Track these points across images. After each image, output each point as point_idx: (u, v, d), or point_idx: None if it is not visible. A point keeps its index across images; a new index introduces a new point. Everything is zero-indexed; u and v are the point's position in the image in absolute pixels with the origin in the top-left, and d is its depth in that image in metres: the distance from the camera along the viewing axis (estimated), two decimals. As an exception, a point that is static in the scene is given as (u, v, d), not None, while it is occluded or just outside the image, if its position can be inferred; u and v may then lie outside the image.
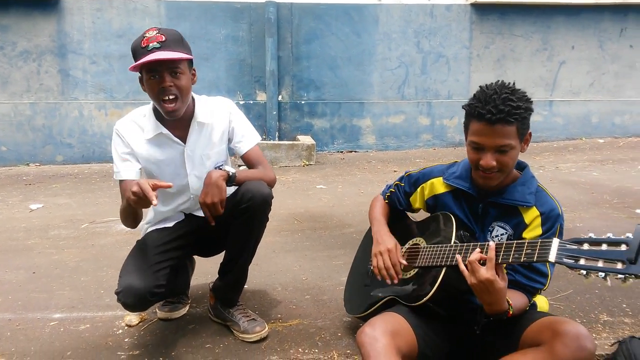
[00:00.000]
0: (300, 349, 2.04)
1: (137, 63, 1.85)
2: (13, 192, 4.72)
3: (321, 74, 6.44)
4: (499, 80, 1.64)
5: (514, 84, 1.63)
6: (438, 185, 1.87)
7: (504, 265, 1.50)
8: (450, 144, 6.78)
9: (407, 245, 1.90)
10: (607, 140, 7.02)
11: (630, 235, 1.22)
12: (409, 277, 1.80)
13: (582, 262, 1.27)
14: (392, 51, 6.54)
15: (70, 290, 2.62)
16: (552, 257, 1.32)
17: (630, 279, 1.19)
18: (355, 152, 6.61)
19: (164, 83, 1.86)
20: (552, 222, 1.66)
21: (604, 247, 1.26)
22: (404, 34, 6.54)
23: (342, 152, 6.59)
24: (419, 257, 1.77)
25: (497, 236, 1.72)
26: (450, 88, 6.73)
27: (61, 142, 6.02)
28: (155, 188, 1.72)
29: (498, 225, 1.73)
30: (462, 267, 1.53)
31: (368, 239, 2.20)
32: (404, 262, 1.81)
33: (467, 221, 1.77)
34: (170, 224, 2.17)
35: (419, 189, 1.94)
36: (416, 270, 1.78)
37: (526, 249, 1.41)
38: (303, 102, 6.46)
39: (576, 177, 4.99)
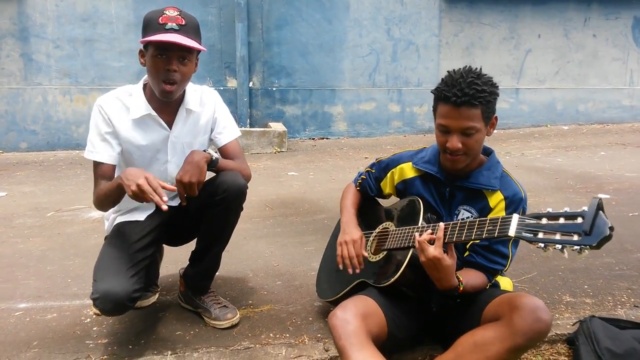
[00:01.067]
0: (271, 334, 2.06)
1: (152, 39, 1.78)
2: (-26, 181, 4.57)
3: (292, 61, 6.40)
4: (466, 66, 1.69)
5: (480, 69, 1.67)
6: (407, 170, 1.91)
7: (460, 244, 1.57)
8: (420, 130, 6.86)
9: (377, 230, 1.94)
10: (571, 127, 7.22)
11: (585, 208, 1.26)
12: (378, 259, 1.84)
13: (540, 235, 1.31)
14: (362, 38, 6.55)
15: (36, 280, 2.57)
16: (512, 231, 1.36)
17: (586, 250, 1.23)
18: (327, 139, 6.62)
19: (170, 66, 1.83)
20: (515, 206, 1.72)
21: (561, 220, 1.29)
22: (375, 21, 6.54)
23: (313, 139, 6.60)
24: (387, 240, 1.81)
25: (462, 219, 1.76)
26: (420, 75, 6.79)
27: (25, 128, 5.85)
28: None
29: (464, 209, 1.77)
30: (416, 245, 1.58)
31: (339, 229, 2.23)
32: (366, 254, 1.87)
33: (434, 204, 1.82)
34: (142, 217, 2.07)
35: (388, 174, 1.97)
36: (385, 253, 1.81)
37: (487, 225, 1.45)
38: (274, 88, 6.43)
39: (541, 163, 5.11)
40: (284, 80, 6.43)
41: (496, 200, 1.73)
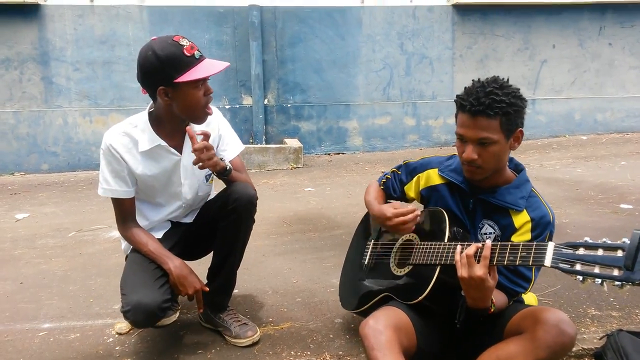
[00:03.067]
0: (292, 352, 2.04)
1: (202, 76, 1.79)
2: (-3, 202, 4.66)
3: (306, 77, 6.45)
4: (494, 76, 1.65)
5: (507, 79, 1.63)
6: (434, 177, 1.88)
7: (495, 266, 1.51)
8: (436, 143, 6.83)
9: (399, 242, 1.90)
10: (590, 137, 7.13)
11: (626, 240, 1.21)
12: (403, 273, 1.81)
13: (578, 267, 1.26)
14: (376, 53, 6.58)
15: (59, 300, 2.60)
16: (547, 261, 1.31)
17: (627, 285, 1.18)
18: (343, 154, 6.63)
19: (209, 91, 1.87)
20: (542, 229, 1.66)
21: (600, 252, 1.24)
22: (388, 36, 6.58)
23: (329, 154, 6.61)
24: (413, 254, 1.77)
25: (485, 234, 1.74)
26: (435, 89, 6.79)
27: (46, 150, 5.96)
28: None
29: (487, 224, 1.74)
30: (457, 257, 1.52)
31: (359, 233, 2.21)
32: (417, 212, 1.77)
33: (459, 214, 1.78)
34: (160, 235, 2.14)
35: (414, 179, 1.94)
36: (410, 267, 1.78)
37: (521, 252, 1.40)
38: (289, 105, 6.47)
39: (560, 174, 5.05)
40: (298, 96, 6.48)
41: (522, 220, 1.68)
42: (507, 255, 1.44)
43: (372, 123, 6.72)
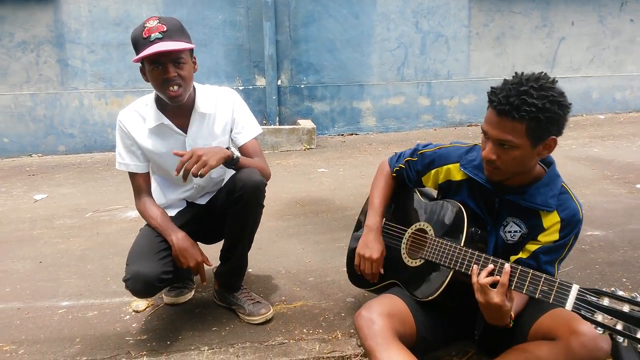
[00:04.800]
0: (304, 330, 2.08)
1: (140, 56, 1.84)
2: (17, 183, 4.75)
3: (320, 57, 6.41)
4: (540, 73, 1.49)
5: (553, 80, 1.49)
6: (454, 172, 1.78)
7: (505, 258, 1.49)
8: (451, 124, 6.76)
9: (412, 229, 1.86)
10: (608, 116, 7.00)
11: None
12: (414, 265, 1.78)
13: (599, 318, 1.21)
14: (390, 32, 6.50)
15: (77, 278, 2.66)
16: (569, 305, 1.27)
17: None
18: (356, 134, 6.60)
19: (168, 74, 1.86)
20: (570, 229, 1.61)
21: (626, 308, 1.17)
22: (402, 14, 6.48)
23: (342, 135, 6.59)
24: (426, 248, 1.73)
25: (510, 232, 1.67)
26: (450, 68, 6.69)
27: (63, 132, 6.03)
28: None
29: (513, 222, 1.66)
30: (474, 279, 1.49)
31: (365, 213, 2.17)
32: (381, 271, 1.88)
33: (480, 213, 1.70)
34: (173, 213, 2.19)
35: (432, 172, 1.85)
36: (422, 261, 1.75)
37: (542, 285, 1.36)
38: (302, 86, 6.45)
39: (577, 153, 4.99)
40: (312, 77, 6.45)
41: (551, 221, 1.60)
42: (527, 284, 1.40)
43: (385, 103, 6.67)
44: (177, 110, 2.01)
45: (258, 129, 2.19)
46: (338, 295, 2.35)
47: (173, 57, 1.87)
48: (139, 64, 1.93)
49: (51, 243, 3.21)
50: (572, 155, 4.88)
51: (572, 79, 7.02)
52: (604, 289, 1.24)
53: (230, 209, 2.04)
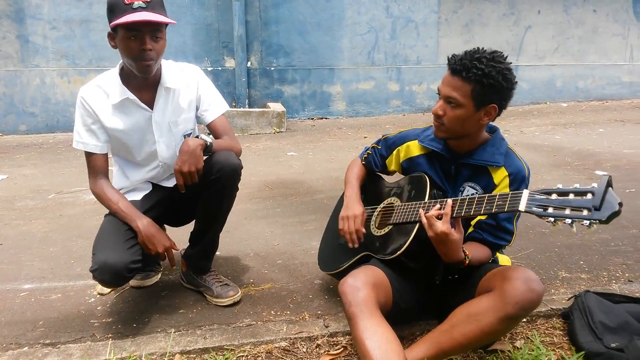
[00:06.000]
0: (272, 312, 2.10)
1: (123, 20, 1.75)
2: (-25, 164, 4.59)
3: (290, 40, 6.36)
4: (500, 51, 1.67)
5: (506, 57, 1.66)
6: (413, 148, 1.93)
7: (464, 221, 1.59)
8: (419, 109, 6.84)
9: (382, 205, 1.97)
10: (570, 105, 7.20)
11: (595, 185, 1.29)
12: (383, 234, 1.87)
13: (550, 210, 1.33)
14: (361, 15, 6.49)
15: (40, 261, 2.60)
16: (522, 206, 1.38)
17: (595, 225, 1.26)
18: (326, 118, 6.61)
19: (145, 45, 1.81)
20: (519, 182, 1.73)
21: (571, 196, 1.32)
22: (373, -2, 6.48)
23: (312, 119, 6.59)
24: (393, 215, 1.84)
25: (467, 196, 1.78)
26: (419, 53, 6.75)
27: (24, 111, 5.84)
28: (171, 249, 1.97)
29: (469, 186, 1.79)
30: (423, 220, 1.61)
31: (342, 201, 2.25)
32: (363, 230, 1.91)
33: (439, 182, 1.83)
34: (138, 197, 2.13)
35: (394, 152, 2.00)
36: (390, 227, 1.84)
37: (497, 200, 1.47)
38: (272, 68, 6.40)
39: (539, 140, 5.12)
40: (282, 59, 6.40)
41: (500, 176, 1.74)
42: (484, 205, 1.50)
43: (356, 88, 6.69)
44: (143, 84, 1.96)
45: (225, 105, 2.16)
46: (306, 278, 2.37)
47: (153, 30, 1.82)
48: (110, 31, 1.87)
49: (12, 225, 3.12)
50: (534, 142, 5.01)
51: (537, 67, 7.18)
52: (551, 188, 1.38)
53: (206, 191, 2.02)
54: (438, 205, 1.61)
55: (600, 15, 7.22)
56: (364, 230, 1.91)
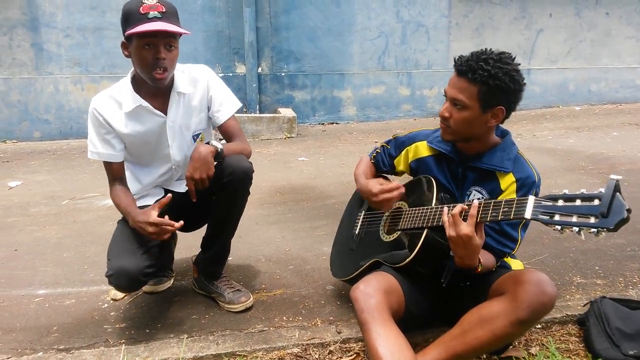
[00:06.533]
0: (284, 317, 2.09)
1: (139, 29, 1.77)
2: (-10, 170, 4.64)
3: (301, 45, 6.37)
4: (508, 52, 1.65)
5: (514, 59, 1.64)
6: (422, 149, 1.91)
7: (482, 224, 1.55)
8: (430, 113, 6.82)
9: (389, 210, 1.94)
10: (584, 108, 7.14)
11: (602, 190, 1.25)
12: (392, 239, 1.85)
13: (556, 217, 1.30)
14: (371, 21, 6.50)
15: (54, 267, 2.63)
16: (527, 214, 1.35)
17: (603, 232, 1.23)
18: (337, 123, 6.61)
19: (159, 55, 1.82)
20: (527, 189, 1.70)
21: (578, 202, 1.28)
22: (383, 3, 6.48)
23: (323, 124, 6.59)
24: (402, 220, 1.82)
25: (473, 200, 1.76)
26: (430, 58, 6.74)
27: (38, 118, 5.91)
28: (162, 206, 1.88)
29: (475, 190, 1.77)
30: (444, 217, 1.57)
31: (352, 204, 2.25)
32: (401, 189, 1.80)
33: (447, 184, 1.82)
34: (151, 202, 2.13)
35: (403, 152, 1.98)
36: (399, 233, 1.83)
37: (503, 207, 1.45)
38: (283, 74, 6.41)
39: (552, 144, 5.08)
40: (292, 65, 6.41)
41: (507, 182, 1.72)
42: (490, 211, 1.48)
43: (366, 92, 6.68)
44: (155, 91, 1.97)
45: (236, 102, 2.15)
46: (318, 283, 2.37)
47: (167, 40, 1.84)
48: (124, 40, 1.88)
49: (27, 231, 3.15)
50: (547, 146, 4.97)
51: (550, 70, 7.12)
52: (557, 193, 1.34)
53: (218, 195, 2.02)
54: (462, 205, 1.55)
55: (613, 18, 7.16)
56: (402, 189, 1.81)
